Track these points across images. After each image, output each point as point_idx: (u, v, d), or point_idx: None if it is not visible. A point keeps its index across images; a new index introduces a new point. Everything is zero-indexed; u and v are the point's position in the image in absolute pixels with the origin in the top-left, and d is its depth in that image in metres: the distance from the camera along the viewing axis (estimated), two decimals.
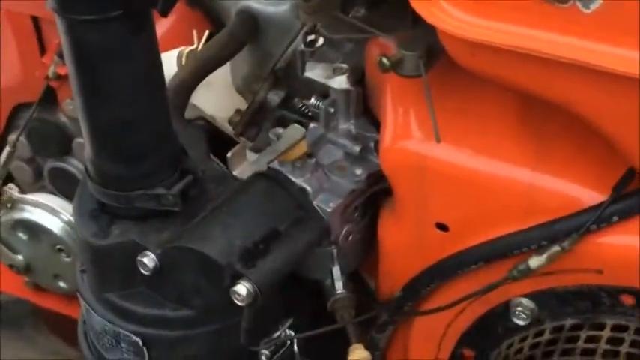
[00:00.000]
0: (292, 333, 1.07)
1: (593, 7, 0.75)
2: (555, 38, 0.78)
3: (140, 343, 1.01)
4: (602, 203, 0.88)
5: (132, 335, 1.01)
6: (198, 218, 0.98)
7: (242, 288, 0.93)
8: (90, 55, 0.89)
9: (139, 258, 0.97)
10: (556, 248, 0.90)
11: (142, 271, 0.97)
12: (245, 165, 1.07)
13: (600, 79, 0.77)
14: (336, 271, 1.05)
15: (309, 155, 1.04)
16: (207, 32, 1.23)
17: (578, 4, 0.76)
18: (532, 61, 0.79)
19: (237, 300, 0.94)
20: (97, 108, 0.94)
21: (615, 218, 0.88)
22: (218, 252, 0.95)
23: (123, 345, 1.03)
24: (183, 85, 1.09)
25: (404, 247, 1.04)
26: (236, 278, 0.93)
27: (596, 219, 0.88)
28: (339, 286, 1.04)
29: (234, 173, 1.06)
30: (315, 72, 1.03)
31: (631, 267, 0.90)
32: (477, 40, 0.80)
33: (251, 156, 1.08)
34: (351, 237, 1.05)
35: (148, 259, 0.96)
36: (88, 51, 0.89)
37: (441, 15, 0.81)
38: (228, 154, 1.15)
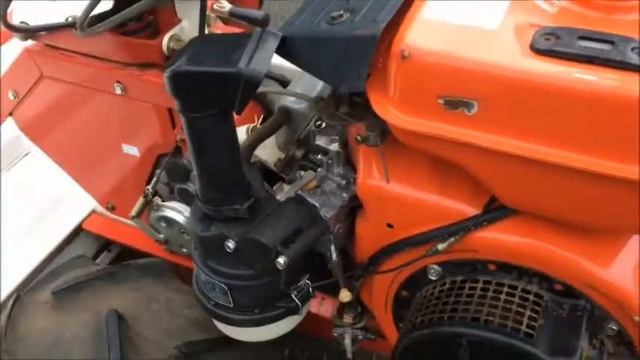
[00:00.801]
0: (309, 282, 0.99)
1: (473, 111, 0.71)
2: (452, 128, 0.73)
3: (226, 288, 0.96)
4: (477, 215, 0.84)
5: (222, 284, 0.96)
6: (257, 221, 0.92)
7: (281, 259, 0.89)
8: (198, 133, 0.85)
9: (225, 243, 0.92)
10: (452, 239, 0.86)
11: (228, 250, 0.92)
12: (283, 193, 1.01)
13: (478, 153, 0.73)
14: (333, 248, 0.98)
15: (317, 186, 0.97)
16: (262, 115, 1.19)
17: (465, 110, 0.71)
18: (439, 141, 0.75)
19: (279, 266, 0.89)
20: (202, 161, 0.89)
21: (485, 222, 0.84)
22: (268, 240, 0.90)
23: (217, 289, 0.98)
24: (250, 146, 1.04)
25: (369, 236, 0.98)
26: (278, 255, 0.89)
27: (474, 224, 0.84)
28: (334, 256, 0.98)
29: (277, 197, 1.00)
30: (321, 140, 1.00)
31: (493, 248, 0.86)
32: (407, 129, 0.76)
33: (286, 187, 1.03)
34: (340, 230, 0.98)
35: (231, 243, 0.92)
36: (197, 131, 0.85)
37: (388, 113, 0.77)
38: (274, 187, 1.07)
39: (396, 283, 0.98)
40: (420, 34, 0.72)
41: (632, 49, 0.65)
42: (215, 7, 0.93)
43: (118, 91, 1.23)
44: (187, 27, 1.19)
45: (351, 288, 1.02)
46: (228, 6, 0.95)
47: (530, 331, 0.80)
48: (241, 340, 1.08)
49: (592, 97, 0.65)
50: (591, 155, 0.67)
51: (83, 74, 1.25)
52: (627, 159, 0.65)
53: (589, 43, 0.67)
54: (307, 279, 1.00)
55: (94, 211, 1.60)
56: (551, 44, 0.67)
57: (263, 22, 0.89)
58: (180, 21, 1.18)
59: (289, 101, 1.04)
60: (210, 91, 0.79)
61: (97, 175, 1.49)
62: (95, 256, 1.60)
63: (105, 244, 1.64)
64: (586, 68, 0.65)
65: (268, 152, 1.13)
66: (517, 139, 0.70)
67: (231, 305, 0.99)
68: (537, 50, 0.67)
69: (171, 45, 1.17)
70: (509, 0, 0.76)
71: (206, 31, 1.10)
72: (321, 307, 1.29)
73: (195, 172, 0.92)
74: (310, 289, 1.01)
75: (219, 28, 1.29)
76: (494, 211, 0.83)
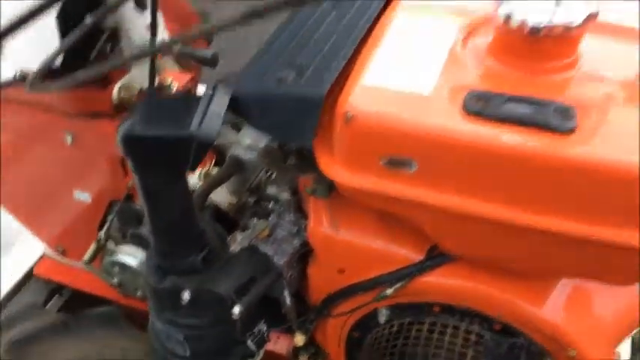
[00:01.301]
0: (264, 327, 1.01)
1: (413, 170, 0.75)
2: (394, 186, 0.77)
3: (182, 338, 0.97)
4: (421, 261, 0.89)
5: (178, 334, 0.97)
6: (212, 272, 0.94)
7: (236, 309, 0.90)
8: (150, 191, 0.87)
9: (181, 294, 0.92)
10: (398, 284, 0.89)
11: (183, 301, 0.92)
12: (237, 243, 1.02)
13: (418, 207, 0.78)
14: (286, 293, 1.01)
15: (270, 235, 1.00)
16: (213, 160, 1.22)
17: (405, 169, 0.75)
18: (382, 197, 0.79)
19: (234, 315, 0.91)
20: (155, 217, 0.90)
21: (428, 268, 0.88)
22: (223, 290, 0.91)
23: (173, 339, 0.98)
24: (202, 195, 1.05)
25: (321, 280, 1.01)
26: (233, 304, 0.91)
27: (418, 269, 0.88)
28: (288, 301, 1.01)
29: (232, 247, 1.01)
30: (272, 189, 1.03)
31: (437, 292, 0.90)
32: (351, 187, 0.80)
33: (239, 236, 1.04)
34: (293, 275, 1.01)
35: (186, 295, 0.92)
36: (149, 189, 0.87)
37: (333, 171, 0.81)
38: (229, 237, 1.06)
39: (348, 325, 1.02)
40: (363, 98, 0.77)
41: (554, 110, 0.72)
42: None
43: (68, 141, 1.24)
44: (137, 75, 1.21)
45: (305, 330, 1.05)
46: (176, 47, 0.98)
47: None
48: None
49: (517, 156, 0.71)
50: (517, 209, 0.73)
51: (33, 124, 1.26)
52: (547, 211, 0.72)
53: (515, 105, 0.73)
54: (262, 323, 1.02)
55: (44, 256, 1.58)
56: (481, 107, 0.73)
57: (212, 62, 0.92)
58: (129, 70, 1.20)
59: (240, 150, 1.07)
60: (162, 154, 0.82)
61: (47, 219, 1.48)
62: (46, 301, 1.58)
63: (55, 289, 1.62)
64: (512, 130, 0.71)
65: (221, 196, 1.15)
66: (454, 195, 0.75)
67: (188, 354, 1.00)
68: (469, 113, 0.73)
69: (122, 94, 1.19)
70: (442, 63, 0.81)
71: (157, 80, 1.13)
72: (277, 345, 1.31)
73: (148, 226, 0.93)
74: (265, 334, 1.02)
75: (169, 74, 1.31)
76: (437, 257, 0.88)
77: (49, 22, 0.99)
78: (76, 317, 1.25)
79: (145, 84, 1.11)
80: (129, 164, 0.85)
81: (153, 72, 1.04)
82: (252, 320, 1.00)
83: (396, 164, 0.76)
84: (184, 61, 1.32)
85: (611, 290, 0.90)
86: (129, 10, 1.10)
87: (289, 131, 0.81)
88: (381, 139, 0.76)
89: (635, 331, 1.15)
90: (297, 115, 0.79)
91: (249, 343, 1.00)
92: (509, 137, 0.71)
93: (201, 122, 0.80)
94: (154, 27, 0.95)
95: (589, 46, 0.79)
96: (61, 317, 1.26)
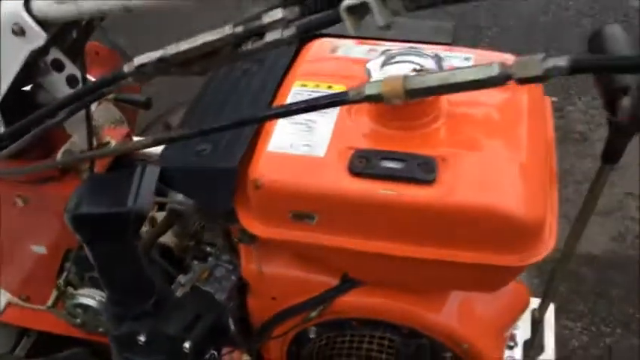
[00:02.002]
0: (215, 353, 1.13)
1: (314, 221, 0.92)
2: (301, 234, 0.93)
3: None
4: (335, 286, 1.05)
5: None
6: (163, 313, 1.06)
7: (187, 344, 1.05)
8: (99, 257, 1.00)
9: (137, 337, 1.06)
10: (321, 307, 1.06)
11: (139, 342, 1.06)
12: (182, 287, 1.16)
13: (323, 249, 0.95)
14: (230, 321, 1.14)
15: (209, 275, 1.15)
16: (157, 206, 1.38)
17: (308, 220, 0.92)
18: (293, 243, 0.97)
19: (185, 350, 1.05)
20: (106, 277, 1.04)
21: (343, 291, 1.05)
22: (173, 330, 1.05)
23: None
24: (149, 240, 1.21)
25: (259, 308, 1.15)
26: (183, 341, 1.05)
27: (335, 293, 1.05)
28: (232, 327, 1.14)
29: (178, 290, 1.15)
30: (208, 235, 1.19)
31: (353, 309, 1.07)
32: (267, 237, 0.98)
33: (182, 279, 1.17)
34: (234, 305, 1.15)
35: (142, 337, 1.06)
36: (98, 256, 1.00)
37: (251, 225, 0.97)
38: (174, 282, 1.19)
39: (287, 342, 1.19)
40: (268, 166, 0.94)
41: (418, 164, 0.91)
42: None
43: (20, 204, 1.37)
44: (77, 140, 1.34)
45: (251, 351, 1.23)
46: (111, 95, 1.11)
47: None
48: None
49: (392, 205, 0.89)
50: (398, 244, 0.92)
51: None
52: (421, 244, 0.91)
53: (389, 162, 0.91)
54: (212, 350, 1.16)
55: (8, 304, 1.70)
56: (362, 167, 0.91)
57: (146, 105, 1.05)
58: (70, 136, 1.34)
59: (176, 204, 1.23)
60: (106, 227, 0.97)
61: (9, 271, 1.60)
62: (15, 346, 1.70)
63: (22, 332, 1.74)
64: (387, 184, 0.90)
65: (168, 238, 1.30)
66: (348, 237, 0.94)
67: None
68: (353, 173, 0.91)
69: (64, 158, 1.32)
70: (332, 126, 0.99)
71: (95, 141, 1.27)
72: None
73: (102, 283, 1.09)
74: (217, 357, 1.18)
75: (108, 133, 1.45)
76: (348, 282, 1.06)
77: None
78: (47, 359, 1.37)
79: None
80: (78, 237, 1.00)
81: (90, 133, 1.18)
82: (202, 349, 1.14)
83: (300, 217, 0.94)
84: (120, 105, 1.46)
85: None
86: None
87: (209, 198, 0.98)
88: (285, 199, 0.93)
89: (534, 309, 1.37)
90: (215, 185, 0.96)
91: None
92: (384, 191, 0.89)
93: (135, 198, 0.95)
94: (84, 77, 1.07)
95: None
96: None
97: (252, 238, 1.06)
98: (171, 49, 0.63)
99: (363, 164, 0.92)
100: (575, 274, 2.24)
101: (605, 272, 2.25)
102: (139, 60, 0.65)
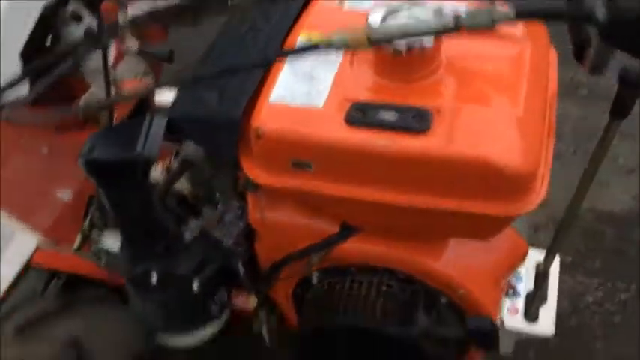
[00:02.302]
0: (225, 294, 1.26)
1: (312, 169, 0.96)
2: (300, 182, 0.98)
3: (154, 311, 1.22)
4: (337, 233, 1.10)
5: (151, 308, 1.23)
6: (174, 255, 1.16)
7: (195, 285, 1.15)
8: (113, 199, 1.09)
9: (150, 277, 1.15)
10: (322, 252, 1.11)
11: (152, 283, 1.16)
12: (190, 230, 1.21)
13: (322, 197, 0.99)
14: (240, 265, 1.22)
15: (219, 221, 1.21)
16: (173, 154, 1.44)
17: (307, 169, 0.97)
18: (293, 191, 1.01)
19: (195, 290, 1.15)
20: (121, 219, 1.14)
21: (343, 238, 1.10)
22: (183, 271, 1.15)
23: (149, 311, 1.24)
24: (164, 187, 1.24)
25: (265, 253, 1.21)
26: (192, 281, 1.14)
27: (335, 240, 1.10)
28: (241, 271, 1.23)
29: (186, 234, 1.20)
30: (218, 183, 1.25)
31: (353, 255, 1.12)
32: (269, 185, 1.02)
33: (192, 223, 1.22)
34: (243, 250, 1.21)
35: (154, 278, 1.15)
36: (112, 198, 1.09)
37: (254, 173, 1.02)
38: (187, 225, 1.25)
39: (292, 286, 1.26)
40: (269, 116, 0.98)
41: (413, 116, 0.93)
42: (125, 48, 1.14)
43: (45, 151, 1.44)
44: (96, 91, 1.40)
45: (258, 293, 1.29)
46: (135, 46, 1.16)
47: (384, 313, 1.09)
48: (179, 345, 1.34)
49: (387, 154, 0.93)
50: (393, 192, 0.96)
51: (15, 139, 1.46)
52: (415, 192, 0.94)
53: (385, 114, 0.94)
54: (223, 291, 1.27)
55: (38, 247, 1.81)
56: (359, 118, 0.95)
57: (169, 58, 1.09)
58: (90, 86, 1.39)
59: (188, 152, 1.28)
60: (116, 172, 1.04)
61: (38, 216, 1.70)
62: (46, 287, 1.82)
63: (52, 274, 1.86)
64: (381, 135, 0.93)
65: (183, 186, 1.35)
66: (345, 186, 0.98)
67: (166, 323, 1.25)
68: (349, 123, 0.94)
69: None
70: (333, 78, 1.01)
71: (114, 92, 1.33)
72: (243, 301, 1.54)
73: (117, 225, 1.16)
74: (226, 298, 1.28)
75: (133, 85, 1.50)
76: (347, 229, 1.11)
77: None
78: (70, 299, 1.47)
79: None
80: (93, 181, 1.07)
81: (108, 85, 1.24)
82: (212, 290, 1.25)
83: (299, 166, 0.98)
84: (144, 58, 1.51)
85: (490, 242, 1.13)
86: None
87: (214, 146, 1.03)
88: (284, 148, 0.97)
89: (539, 263, 1.40)
90: (219, 134, 1.00)
91: (213, 307, 1.26)
92: (380, 141, 0.93)
93: (144, 145, 1.01)
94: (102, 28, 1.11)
95: (455, 47, 0.97)
96: (59, 301, 1.48)
97: (256, 187, 1.11)
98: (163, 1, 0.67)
99: (360, 115, 0.95)
100: (595, 231, 2.24)
101: (625, 230, 2.24)
102: (133, 11, 0.69)
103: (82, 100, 1.37)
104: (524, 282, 1.43)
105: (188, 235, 1.20)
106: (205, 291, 1.20)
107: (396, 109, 0.94)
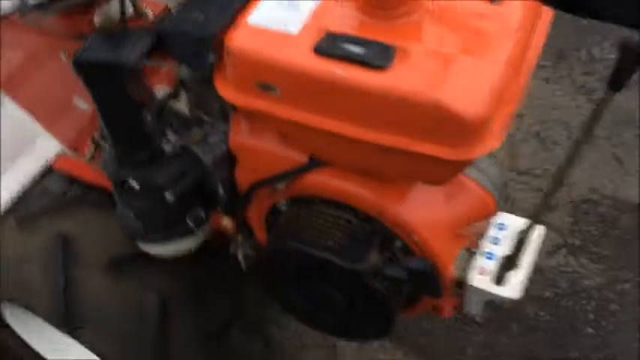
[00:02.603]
0: (202, 211, 1.31)
1: (278, 93, 1.00)
2: (265, 104, 1.00)
3: (133, 216, 1.29)
4: (303, 164, 1.13)
5: (131, 214, 1.29)
6: (154, 165, 1.22)
7: (169, 195, 1.20)
8: (99, 100, 1.15)
9: (132, 184, 1.23)
10: (288, 180, 1.15)
11: (134, 189, 1.23)
12: (170, 144, 1.25)
13: (287, 124, 1.02)
14: (220, 187, 1.26)
15: (202, 139, 1.25)
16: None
17: (273, 92, 1.00)
18: (261, 113, 1.04)
19: (168, 200, 1.20)
20: (107, 121, 1.19)
21: (310, 169, 1.13)
22: (160, 180, 1.19)
23: (129, 217, 1.29)
24: (160, 104, 1.24)
25: (243, 177, 1.23)
26: (166, 191, 1.20)
27: (302, 170, 1.13)
28: (220, 192, 1.27)
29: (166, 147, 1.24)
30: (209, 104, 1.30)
31: (318, 188, 1.15)
32: (239, 105, 1.06)
33: (172, 136, 1.25)
34: (224, 174, 1.24)
35: (135, 184, 1.22)
36: (98, 99, 1.15)
37: (225, 92, 1.05)
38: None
39: (265, 210, 1.30)
40: (243, 36, 1.01)
41: (377, 52, 0.94)
42: None
43: (64, 59, 1.53)
44: (114, 4, 1.46)
45: (233, 215, 1.35)
46: None
47: (336, 245, 1.13)
48: (157, 254, 1.42)
49: (344, 86, 0.94)
50: (350, 125, 0.97)
51: (35, 44, 1.55)
52: (369, 126, 0.96)
53: (352, 46, 0.96)
54: (200, 209, 1.32)
55: (60, 154, 1.93)
56: (327, 47, 0.96)
57: None
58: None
59: (183, 73, 1.32)
60: (99, 74, 1.10)
61: (59, 124, 1.81)
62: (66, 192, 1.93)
63: (70, 182, 1.97)
64: (343, 65, 0.94)
65: (182, 105, 1.36)
66: (307, 114, 1.00)
67: (144, 229, 1.33)
68: (315, 51, 0.97)
69: (102, 19, 1.45)
70: (314, 7, 1.03)
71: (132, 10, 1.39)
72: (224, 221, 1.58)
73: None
74: (203, 216, 1.34)
75: (148, 4, 1.56)
76: (315, 161, 1.14)
77: None
78: (68, 199, 1.56)
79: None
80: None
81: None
82: (189, 205, 1.31)
83: (264, 88, 1.01)
84: None
85: (453, 193, 1.14)
86: None
87: (192, 61, 1.07)
88: (251, 69, 1.00)
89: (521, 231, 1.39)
90: (196, 50, 1.05)
91: (188, 221, 1.32)
92: (338, 71, 0.94)
93: (129, 53, 1.07)
94: None
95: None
96: (57, 199, 1.57)
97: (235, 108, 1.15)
98: None
99: (328, 45, 0.96)
100: (611, 218, 2.18)
101: None
102: None
103: (101, 11, 1.44)
104: (502, 247, 1.43)
105: (168, 148, 1.25)
106: (180, 204, 1.26)
107: (364, 43, 0.95)
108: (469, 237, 1.20)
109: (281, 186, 1.19)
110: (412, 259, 1.12)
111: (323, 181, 1.16)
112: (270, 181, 1.20)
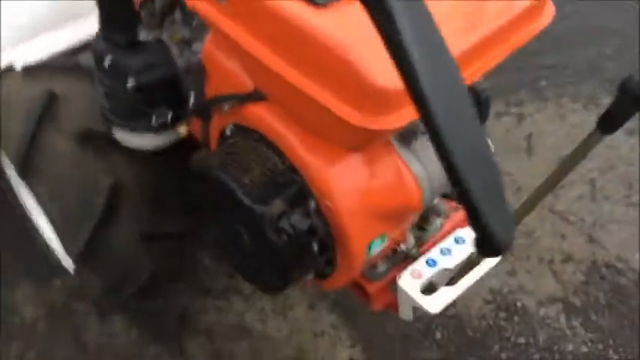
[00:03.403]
0: (169, 112, 1.30)
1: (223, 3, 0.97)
2: (212, 13, 1.00)
3: (103, 94, 1.31)
4: (250, 92, 1.09)
5: (101, 91, 1.32)
6: (129, 50, 1.24)
7: (130, 82, 1.22)
8: None
9: (105, 59, 1.24)
10: (232, 104, 1.12)
11: (105, 65, 1.24)
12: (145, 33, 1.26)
13: (229, 40, 1.00)
14: (191, 95, 1.24)
15: (182, 41, 1.26)
16: None
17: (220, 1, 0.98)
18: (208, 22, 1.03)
19: (129, 86, 1.24)
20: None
21: (253, 98, 1.09)
22: (126, 66, 1.22)
23: (102, 96, 1.34)
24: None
25: (208, 89, 1.22)
26: (129, 78, 1.23)
27: (246, 97, 1.10)
28: (191, 100, 1.24)
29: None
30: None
31: (255, 121, 1.11)
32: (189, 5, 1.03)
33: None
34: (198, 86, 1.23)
35: (107, 62, 1.24)
36: None
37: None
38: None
39: (219, 130, 1.27)
40: None
41: None
42: None
43: None
44: None
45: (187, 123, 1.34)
46: None
47: (250, 183, 1.09)
48: (128, 146, 1.44)
49: (277, 14, 0.90)
50: (276, 55, 0.93)
51: None
52: (292, 64, 0.91)
53: None
54: (166, 108, 1.32)
55: None
56: None
57: None
58: None
59: None
60: None
61: None
62: None
63: None
64: None
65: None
66: (245, 34, 0.96)
67: (110, 111, 1.35)
68: None
69: None
70: None
71: None
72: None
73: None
74: (168, 117, 1.33)
75: None
76: (259, 93, 1.09)
77: None
78: (72, 63, 1.59)
79: None
80: None
81: None
82: (153, 101, 1.31)
83: None
84: None
85: (379, 174, 1.06)
86: None
87: None
88: None
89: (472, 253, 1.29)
90: None
91: (153, 117, 1.32)
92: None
93: None
94: None
95: None
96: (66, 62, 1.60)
97: None
98: None
99: None
100: (624, 292, 1.97)
101: None
102: None
103: None
104: (448, 259, 1.33)
105: (142, 35, 1.25)
106: (143, 96, 1.27)
107: None
108: (390, 226, 1.12)
109: (226, 108, 1.16)
110: (300, 218, 1.06)
111: (259, 114, 1.11)
112: (219, 100, 1.18)
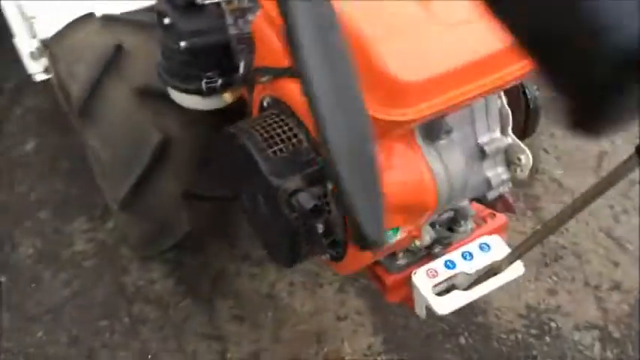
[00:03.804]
0: (219, 79, 1.34)
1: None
2: None
3: (162, 55, 1.39)
4: (284, 67, 1.11)
5: (161, 52, 1.37)
6: (188, 13, 1.28)
7: (182, 44, 1.27)
8: None
9: (163, 18, 1.31)
10: (269, 77, 1.15)
11: (164, 24, 1.31)
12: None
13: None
14: (242, 64, 1.28)
15: (238, 10, 1.27)
16: None
17: None
18: None
19: (181, 47, 1.28)
20: None
21: (288, 74, 1.10)
22: (179, 29, 1.27)
23: (162, 56, 1.39)
24: None
25: (257, 59, 1.24)
26: (183, 40, 1.29)
27: (281, 72, 1.12)
28: (241, 69, 1.28)
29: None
30: None
31: (289, 96, 1.13)
32: None
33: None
34: (249, 54, 1.26)
35: (167, 21, 1.29)
36: None
37: None
38: None
39: (259, 100, 1.29)
40: None
41: None
42: None
43: None
44: None
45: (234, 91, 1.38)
46: None
47: (273, 155, 1.11)
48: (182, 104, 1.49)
49: None
50: None
51: None
52: None
53: None
54: (217, 75, 1.35)
55: None
56: None
57: None
58: None
59: None
60: None
61: None
62: None
63: None
64: None
65: None
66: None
67: (165, 70, 1.41)
68: None
69: None
70: None
71: None
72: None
73: None
74: (218, 84, 1.37)
75: None
76: (293, 69, 1.10)
77: None
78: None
79: None
80: None
81: None
82: (204, 65, 1.35)
83: None
84: None
85: (398, 166, 1.05)
86: None
87: None
88: None
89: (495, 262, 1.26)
90: None
91: (203, 83, 1.36)
92: None
93: None
94: None
95: None
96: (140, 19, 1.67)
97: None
98: None
99: None
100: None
101: None
102: None
103: None
104: (469, 264, 1.31)
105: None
106: (194, 59, 1.32)
107: None
108: (403, 220, 1.11)
109: (265, 80, 1.18)
110: (307, 197, 1.06)
111: (292, 90, 1.13)
112: (260, 72, 1.20)
